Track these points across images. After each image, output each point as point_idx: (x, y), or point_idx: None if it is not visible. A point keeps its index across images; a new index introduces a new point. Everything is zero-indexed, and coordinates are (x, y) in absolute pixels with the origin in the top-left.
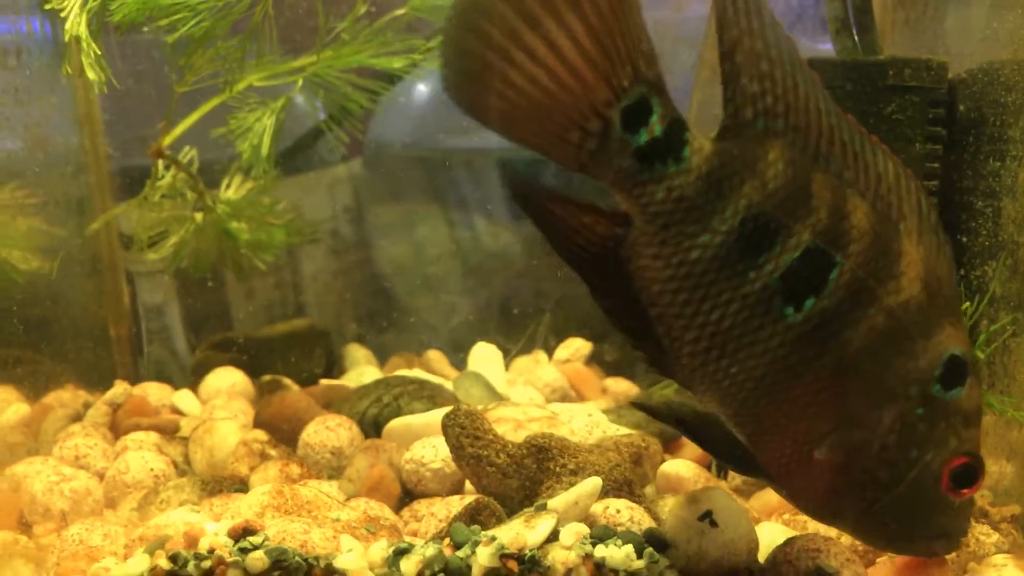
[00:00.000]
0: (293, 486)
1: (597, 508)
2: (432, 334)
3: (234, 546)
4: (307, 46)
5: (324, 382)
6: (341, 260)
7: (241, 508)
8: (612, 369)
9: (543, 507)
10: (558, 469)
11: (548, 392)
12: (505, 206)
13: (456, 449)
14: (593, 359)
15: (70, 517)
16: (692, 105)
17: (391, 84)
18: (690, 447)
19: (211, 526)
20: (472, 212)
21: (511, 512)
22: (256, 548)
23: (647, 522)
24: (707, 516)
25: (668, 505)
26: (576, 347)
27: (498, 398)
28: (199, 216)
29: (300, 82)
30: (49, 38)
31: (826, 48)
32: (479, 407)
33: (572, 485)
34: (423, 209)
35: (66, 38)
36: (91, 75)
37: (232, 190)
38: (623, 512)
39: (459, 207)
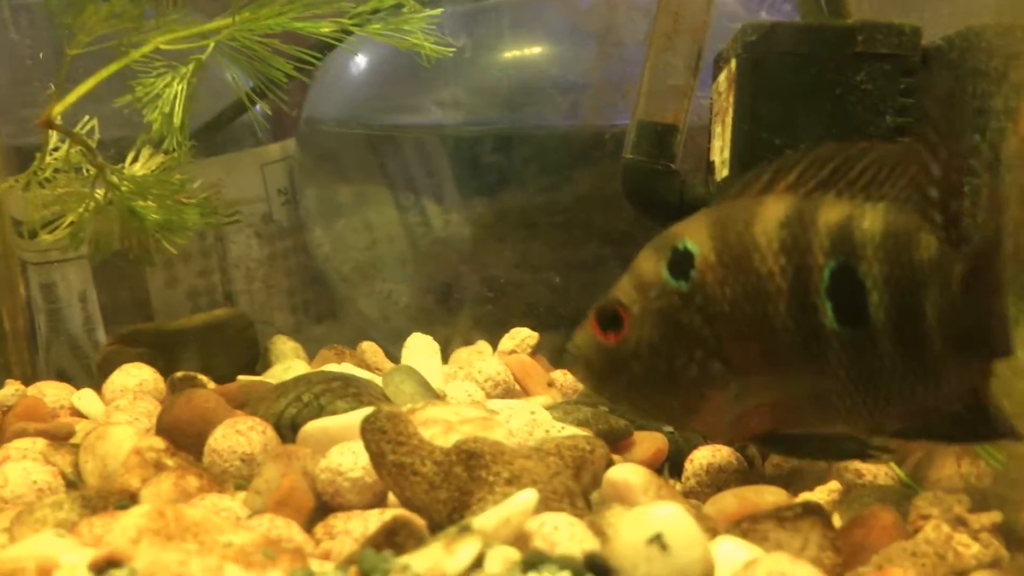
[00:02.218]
0: (177, 506)
1: (533, 524)
2: (370, 325)
3: None
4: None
5: (242, 378)
6: (274, 245)
7: (115, 534)
8: (560, 361)
9: (467, 528)
10: (491, 478)
11: (490, 387)
12: (454, 187)
13: (376, 456)
14: (540, 350)
15: None
16: (644, 74)
17: (321, 53)
18: (640, 448)
19: (71, 557)
20: (417, 194)
21: (438, 528)
22: None
23: (589, 541)
24: (657, 539)
25: (614, 517)
26: (522, 337)
27: (433, 395)
28: (100, 193)
29: (212, 45)
30: None
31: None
32: (408, 406)
33: (507, 496)
34: (364, 191)
35: None
36: None
37: (139, 165)
38: (562, 529)
39: (404, 189)
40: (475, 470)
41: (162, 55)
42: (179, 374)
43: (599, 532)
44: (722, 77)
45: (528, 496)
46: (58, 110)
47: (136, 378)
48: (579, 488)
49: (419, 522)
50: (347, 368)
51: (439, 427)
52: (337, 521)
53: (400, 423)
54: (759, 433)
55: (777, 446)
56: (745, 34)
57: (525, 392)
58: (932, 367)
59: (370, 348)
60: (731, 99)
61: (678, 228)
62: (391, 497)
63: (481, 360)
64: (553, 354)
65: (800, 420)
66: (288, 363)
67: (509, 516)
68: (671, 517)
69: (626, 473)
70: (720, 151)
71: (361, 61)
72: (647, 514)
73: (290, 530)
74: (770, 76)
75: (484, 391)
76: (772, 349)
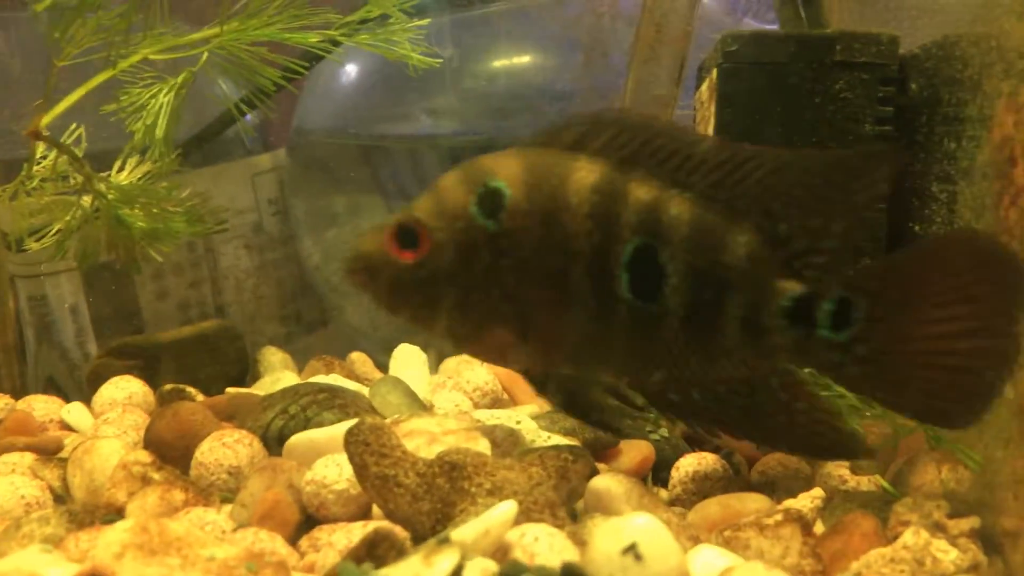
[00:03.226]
0: (161, 520)
1: (513, 535)
2: (360, 335)
3: None
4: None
5: (230, 390)
6: (264, 256)
7: (98, 549)
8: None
9: (446, 540)
10: (473, 489)
11: (478, 396)
12: None
13: (360, 468)
14: None
15: None
16: (628, 84)
17: (308, 63)
18: (627, 456)
19: (55, 572)
20: (408, 203)
21: (421, 540)
22: None
23: (568, 551)
24: (631, 549)
25: (595, 526)
26: None
27: (419, 405)
28: (86, 201)
29: (204, 56)
30: None
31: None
32: (393, 417)
33: (488, 507)
34: (355, 201)
35: None
36: None
37: (125, 174)
38: (541, 540)
39: (394, 198)
40: (457, 481)
41: (149, 65)
42: (168, 387)
43: (580, 542)
44: (704, 86)
45: (507, 507)
46: (45, 121)
47: (125, 391)
48: (560, 498)
49: (401, 534)
50: (335, 380)
51: (423, 438)
52: (322, 534)
53: (383, 435)
54: (536, 371)
55: (562, 402)
56: (725, 44)
57: (513, 401)
58: (719, 359)
59: (359, 358)
60: (712, 108)
61: (489, 163)
62: (376, 509)
63: (469, 370)
64: None
65: (577, 368)
66: (277, 375)
67: (489, 527)
68: (646, 527)
69: (608, 483)
70: None
71: (351, 71)
72: (622, 524)
73: (274, 543)
74: (750, 85)
75: (472, 401)
76: (565, 302)
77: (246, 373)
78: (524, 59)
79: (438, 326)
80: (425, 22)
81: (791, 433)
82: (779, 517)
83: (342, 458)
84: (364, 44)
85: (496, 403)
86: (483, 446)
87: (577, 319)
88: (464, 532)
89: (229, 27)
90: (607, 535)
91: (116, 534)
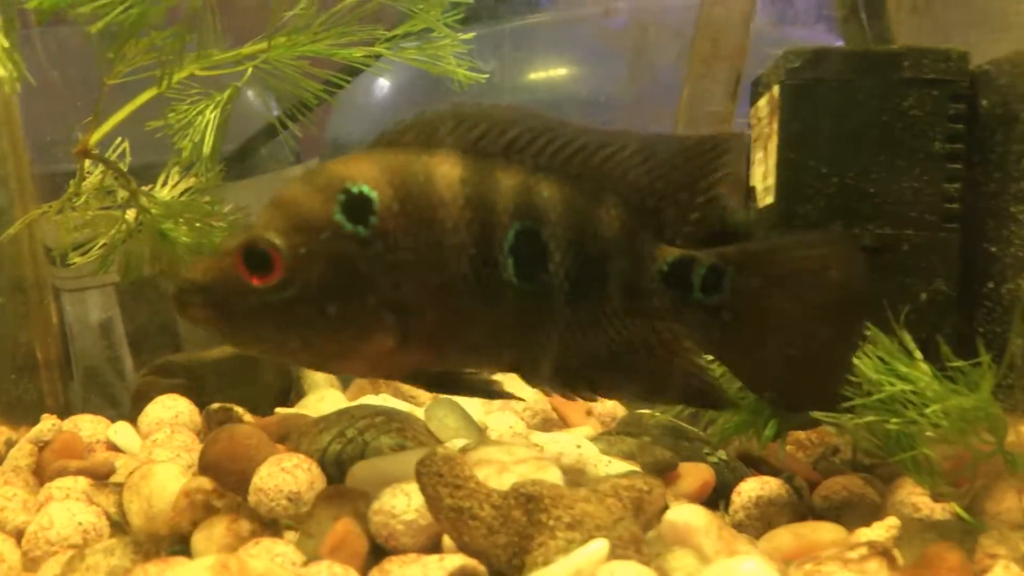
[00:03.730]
0: (240, 556)
1: (602, 574)
2: None
3: None
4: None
5: (279, 411)
6: None
7: None
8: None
9: None
10: (552, 523)
11: (529, 417)
12: None
13: (433, 500)
14: None
15: None
16: (682, 100)
17: (351, 76)
18: (687, 480)
19: None
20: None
21: (498, 574)
22: None
23: None
24: None
25: (678, 561)
26: None
27: (476, 429)
28: (131, 215)
29: (249, 71)
30: None
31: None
32: (459, 445)
33: (569, 542)
34: None
35: None
36: (0, 71)
37: (168, 189)
38: None
39: None
40: (535, 514)
41: (195, 81)
42: (215, 406)
43: None
44: (762, 102)
45: (599, 546)
46: (95, 139)
47: (172, 411)
48: (642, 533)
49: (482, 570)
50: (385, 400)
51: (493, 468)
52: (392, 566)
53: (456, 466)
54: (415, 372)
55: (429, 384)
56: (788, 60)
57: (564, 422)
58: (604, 326)
59: None
60: (774, 126)
61: (340, 170)
62: (446, 540)
63: (517, 389)
64: None
65: (462, 361)
66: (322, 392)
67: (580, 567)
68: (754, 572)
69: (687, 515)
70: (763, 177)
71: (384, 84)
72: (730, 569)
73: None
74: (815, 103)
75: (524, 423)
76: (450, 297)
77: (290, 391)
78: (566, 71)
79: (307, 349)
80: (470, 36)
81: (668, 386)
82: (863, 551)
83: (410, 487)
84: (410, 60)
85: (547, 423)
86: (555, 476)
87: (467, 311)
88: (556, 571)
89: (277, 42)
90: None
91: (196, 571)
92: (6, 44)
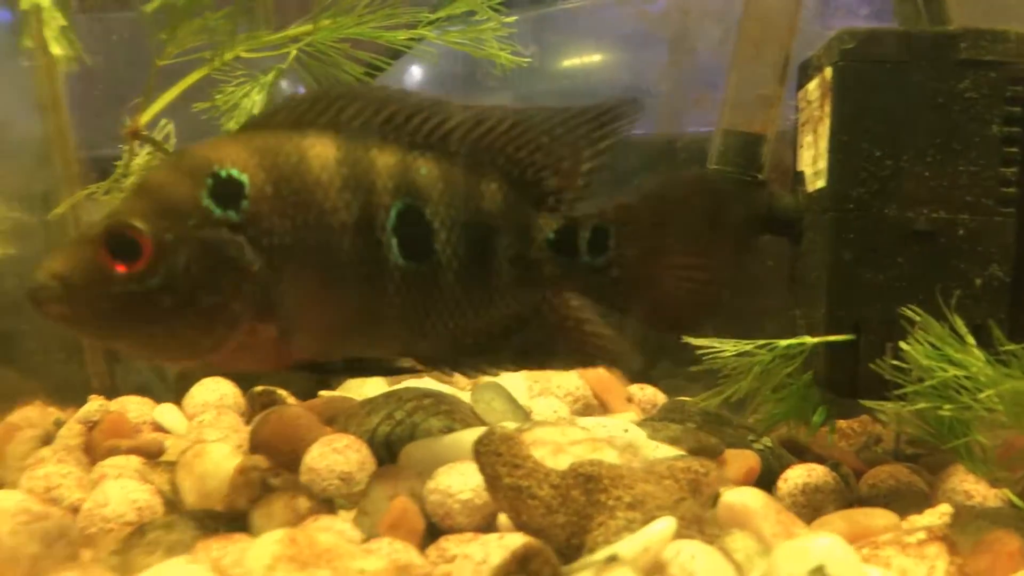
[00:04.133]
0: (308, 530)
1: (668, 553)
2: None
3: None
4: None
5: (323, 394)
6: None
7: (248, 561)
8: (635, 373)
9: (614, 558)
10: (611, 503)
11: (570, 402)
12: None
13: (492, 479)
14: None
15: (41, 563)
16: (730, 82)
17: (393, 59)
18: (733, 466)
19: None
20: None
21: (556, 553)
22: None
23: (726, 570)
24: (818, 571)
25: (736, 543)
26: None
27: (522, 413)
28: None
29: (293, 53)
30: (8, 18)
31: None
32: (512, 426)
33: (630, 522)
34: None
35: (23, 5)
36: (55, 50)
37: None
38: (698, 558)
39: None
40: (594, 494)
41: (240, 63)
42: (258, 388)
43: (732, 560)
44: (812, 85)
45: (667, 524)
46: (144, 120)
47: (216, 393)
48: (705, 514)
49: (550, 551)
50: (428, 383)
51: (547, 448)
52: (449, 544)
53: (515, 445)
54: (300, 361)
55: (316, 371)
56: (842, 41)
57: (604, 407)
58: (496, 300)
59: None
60: (827, 108)
61: (207, 153)
62: (500, 520)
63: (558, 375)
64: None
65: (350, 347)
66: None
67: (648, 545)
68: (831, 548)
69: (745, 497)
70: (813, 161)
71: (416, 71)
72: (806, 546)
73: (409, 554)
74: (870, 85)
75: (566, 407)
76: (332, 280)
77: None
78: (606, 56)
79: (176, 340)
80: (512, 19)
81: (566, 351)
82: (922, 535)
83: (464, 467)
84: (453, 43)
85: (587, 409)
86: (611, 456)
87: (352, 295)
88: (626, 548)
89: (322, 24)
90: (791, 556)
91: (266, 546)
92: (63, 22)
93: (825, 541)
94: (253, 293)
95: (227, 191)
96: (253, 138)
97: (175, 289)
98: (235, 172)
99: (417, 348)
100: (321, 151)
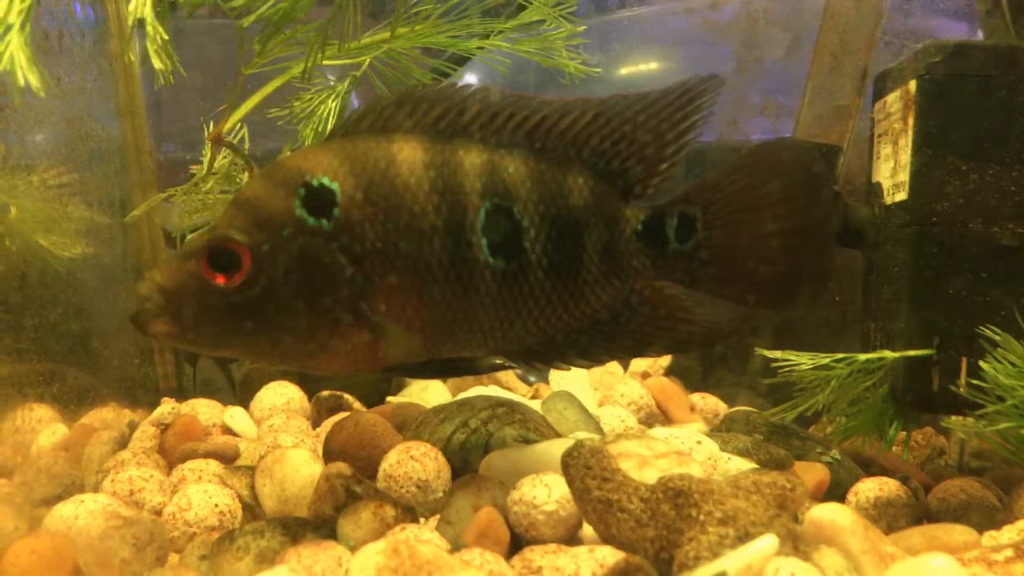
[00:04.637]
0: (410, 543)
1: (768, 570)
2: None
3: None
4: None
5: (391, 399)
6: None
7: (353, 571)
8: (690, 382)
9: (723, 574)
10: (702, 517)
11: (634, 411)
12: None
13: (581, 492)
14: (671, 371)
15: (132, 567)
16: (806, 93)
17: (460, 65)
18: (804, 476)
19: None
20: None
21: None
22: None
23: None
24: None
25: (825, 560)
26: (654, 357)
27: (592, 423)
28: None
29: (367, 61)
30: (91, 22)
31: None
32: (581, 437)
33: (721, 537)
34: None
35: (129, 21)
36: (157, 63)
37: None
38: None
39: None
40: (684, 508)
41: (318, 70)
42: (325, 393)
43: None
44: (892, 97)
45: (769, 541)
46: (228, 126)
47: (283, 396)
48: (797, 530)
49: (650, 568)
50: (494, 391)
51: (633, 461)
52: (534, 555)
53: (604, 458)
54: (393, 363)
55: (407, 373)
56: (928, 54)
57: (667, 417)
58: (586, 294)
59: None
60: (909, 121)
61: (298, 163)
62: (585, 530)
63: (622, 383)
64: (684, 376)
65: (442, 348)
66: (424, 383)
67: (751, 562)
68: (945, 570)
69: (832, 514)
70: (892, 174)
71: (472, 78)
72: (921, 568)
73: (500, 565)
74: (956, 98)
75: (633, 416)
76: (425, 284)
77: (390, 379)
78: (672, 64)
79: (278, 348)
80: (581, 28)
81: (659, 338)
82: (1009, 553)
83: (549, 478)
84: (524, 52)
85: (650, 418)
86: (696, 470)
87: (444, 297)
88: (730, 564)
89: (400, 32)
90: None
91: (369, 556)
92: (165, 36)
93: (940, 562)
94: (347, 298)
95: (319, 200)
96: (342, 145)
97: (274, 298)
98: (326, 181)
99: (507, 346)
100: (409, 155)
